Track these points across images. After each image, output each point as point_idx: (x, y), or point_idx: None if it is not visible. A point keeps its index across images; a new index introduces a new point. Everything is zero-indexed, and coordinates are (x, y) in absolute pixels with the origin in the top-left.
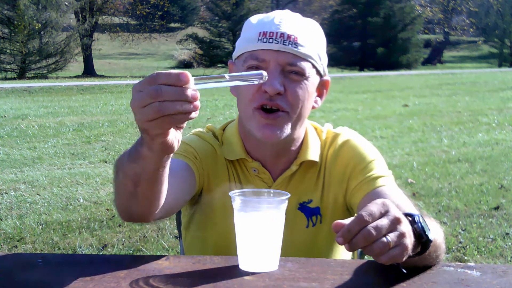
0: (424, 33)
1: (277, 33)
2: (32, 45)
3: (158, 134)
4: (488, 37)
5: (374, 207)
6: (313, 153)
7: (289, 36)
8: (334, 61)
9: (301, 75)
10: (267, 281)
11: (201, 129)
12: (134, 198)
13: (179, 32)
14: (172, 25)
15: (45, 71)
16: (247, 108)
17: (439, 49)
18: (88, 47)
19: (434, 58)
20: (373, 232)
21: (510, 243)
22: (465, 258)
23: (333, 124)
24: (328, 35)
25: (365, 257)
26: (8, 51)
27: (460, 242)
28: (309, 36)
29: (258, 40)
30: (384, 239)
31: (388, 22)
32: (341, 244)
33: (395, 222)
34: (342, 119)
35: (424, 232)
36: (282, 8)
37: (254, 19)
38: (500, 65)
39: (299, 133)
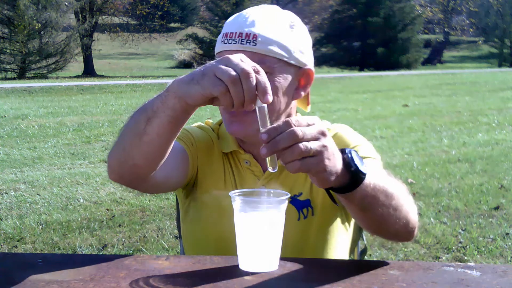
0: (424, 33)
1: (235, 33)
2: (32, 45)
3: (206, 88)
4: (488, 37)
5: (303, 117)
6: None
7: (247, 35)
8: (334, 61)
9: (264, 72)
10: (267, 281)
11: (201, 123)
12: (140, 140)
13: (179, 32)
14: (172, 25)
15: (45, 71)
16: (219, 108)
17: (439, 49)
18: (88, 47)
19: (434, 58)
20: (299, 133)
21: (510, 243)
22: (465, 258)
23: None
24: (328, 35)
25: (365, 257)
26: (8, 51)
27: (460, 242)
28: (274, 31)
29: (222, 41)
30: (307, 143)
31: (388, 22)
32: (265, 141)
33: (321, 133)
34: (342, 119)
35: (353, 161)
36: (282, 8)
37: (228, 20)
38: (500, 65)
39: None
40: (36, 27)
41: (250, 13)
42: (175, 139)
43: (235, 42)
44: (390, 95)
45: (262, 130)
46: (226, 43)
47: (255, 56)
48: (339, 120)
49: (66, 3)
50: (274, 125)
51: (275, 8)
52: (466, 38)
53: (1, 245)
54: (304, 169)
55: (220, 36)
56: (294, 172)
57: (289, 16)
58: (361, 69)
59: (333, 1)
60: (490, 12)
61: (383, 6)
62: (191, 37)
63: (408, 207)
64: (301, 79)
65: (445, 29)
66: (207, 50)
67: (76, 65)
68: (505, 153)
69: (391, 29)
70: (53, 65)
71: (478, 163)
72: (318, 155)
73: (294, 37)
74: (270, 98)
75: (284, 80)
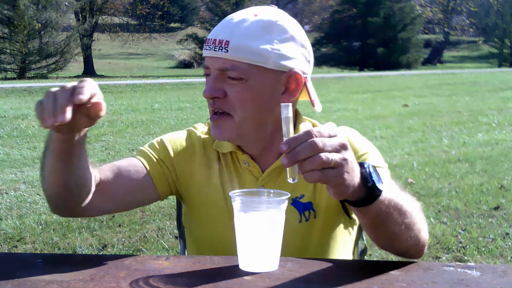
0: (424, 33)
1: (210, 39)
2: (32, 45)
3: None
4: (488, 37)
5: (324, 128)
6: None
7: (220, 42)
8: (334, 61)
9: (238, 78)
10: (267, 281)
11: (202, 124)
12: (43, 173)
13: (179, 32)
14: (172, 25)
15: (45, 71)
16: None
17: (439, 49)
18: (88, 47)
19: (434, 58)
20: (320, 144)
21: (510, 243)
22: (465, 258)
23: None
24: (328, 35)
25: (365, 257)
26: (8, 51)
27: (460, 242)
28: (249, 36)
29: (204, 47)
30: (328, 154)
31: (388, 22)
32: (285, 152)
33: (342, 146)
34: (342, 119)
35: (371, 177)
36: (282, 8)
37: None
38: (500, 65)
39: (264, 130)
40: (36, 27)
41: (233, 17)
42: (145, 159)
43: (210, 49)
44: (390, 95)
45: (284, 140)
46: (205, 49)
47: (227, 63)
48: (339, 120)
49: (66, 3)
50: (295, 135)
51: (262, 9)
52: (466, 38)
53: (1, 245)
54: (324, 180)
55: None
56: (313, 182)
57: (274, 18)
58: (361, 69)
59: (333, 1)
60: (490, 12)
61: (383, 6)
62: (191, 37)
63: (421, 226)
64: (288, 83)
65: (445, 29)
66: None
67: (76, 65)
68: (505, 153)
69: (391, 29)
70: (53, 65)
71: (478, 163)
72: (338, 168)
73: (274, 41)
74: (82, 97)
75: (260, 85)
